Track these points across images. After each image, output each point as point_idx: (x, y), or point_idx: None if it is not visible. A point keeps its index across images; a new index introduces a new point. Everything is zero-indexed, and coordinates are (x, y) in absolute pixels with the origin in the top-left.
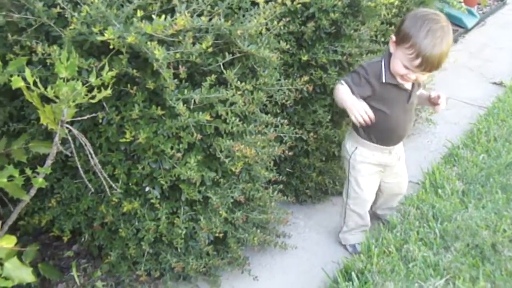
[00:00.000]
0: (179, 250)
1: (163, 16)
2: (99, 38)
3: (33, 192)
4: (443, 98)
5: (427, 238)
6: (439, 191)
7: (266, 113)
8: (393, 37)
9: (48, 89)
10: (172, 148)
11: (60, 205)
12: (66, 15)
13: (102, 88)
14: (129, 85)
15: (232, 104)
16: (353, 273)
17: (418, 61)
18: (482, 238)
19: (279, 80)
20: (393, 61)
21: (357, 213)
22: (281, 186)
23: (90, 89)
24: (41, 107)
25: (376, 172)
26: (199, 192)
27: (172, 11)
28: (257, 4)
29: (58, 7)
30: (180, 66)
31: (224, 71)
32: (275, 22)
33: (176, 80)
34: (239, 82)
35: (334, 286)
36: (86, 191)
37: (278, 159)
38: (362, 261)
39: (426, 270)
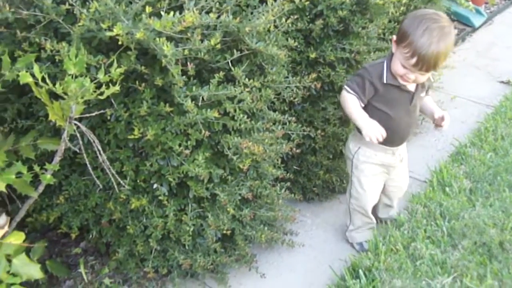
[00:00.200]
0: (186, 247)
1: (172, 12)
2: (108, 34)
3: (41, 188)
4: (447, 120)
5: (434, 236)
6: (447, 189)
7: (274, 111)
8: (394, 37)
9: (57, 85)
10: (180, 145)
11: (68, 202)
12: (74, 12)
13: (110, 85)
14: (137, 82)
15: (240, 101)
16: (360, 271)
17: (414, 60)
18: (490, 236)
19: (287, 77)
20: (393, 61)
21: (360, 213)
22: (288, 183)
23: (99, 85)
24: (49, 104)
25: (380, 173)
26: (207, 189)
27: (180, 8)
28: (265, 1)
29: (66, 3)
30: (188, 63)
31: (232, 68)
32: (283, 20)
33: (184, 77)
34: (247, 79)
35: (341, 283)
36: (94, 188)
37: (286, 157)
38: (369, 259)
39: (434, 268)
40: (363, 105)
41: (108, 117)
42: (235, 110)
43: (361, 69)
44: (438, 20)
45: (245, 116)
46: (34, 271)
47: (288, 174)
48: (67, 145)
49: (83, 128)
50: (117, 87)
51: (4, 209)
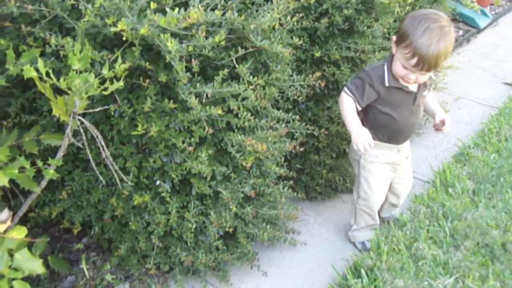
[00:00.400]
0: (189, 244)
1: (177, 9)
2: (112, 29)
3: (44, 184)
4: (447, 124)
5: (437, 237)
6: (450, 190)
7: (278, 109)
8: (394, 37)
9: (61, 80)
10: (183, 141)
11: (70, 197)
12: (79, 7)
13: (114, 81)
14: (141, 78)
15: (244, 98)
16: (362, 270)
17: (414, 60)
18: (492, 237)
19: (291, 75)
20: (393, 62)
21: (367, 213)
22: (291, 182)
23: (103, 81)
24: (53, 99)
25: (387, 172)
26: (210, 186)
27: (185, 5)
28: None
29: None
30: (192, 60)
31: (237, 65)
32: (288, 18)
33: (188, 73)
34: (251, 77)
35: (343, 283)
36: (97, 183)
37: (289, 155)
38: (371, 258)
39: (436, 269)
40: (360, 108)
41: (112, 113)
42: (239, 108)
43: (362, 72)
44: (438, 19)
45: (249, 114)
46: (36, 266)
47: (291, 173)
48: (71, 140)
49: (87, 123)
50: (121, 83)
51: (7, 204)
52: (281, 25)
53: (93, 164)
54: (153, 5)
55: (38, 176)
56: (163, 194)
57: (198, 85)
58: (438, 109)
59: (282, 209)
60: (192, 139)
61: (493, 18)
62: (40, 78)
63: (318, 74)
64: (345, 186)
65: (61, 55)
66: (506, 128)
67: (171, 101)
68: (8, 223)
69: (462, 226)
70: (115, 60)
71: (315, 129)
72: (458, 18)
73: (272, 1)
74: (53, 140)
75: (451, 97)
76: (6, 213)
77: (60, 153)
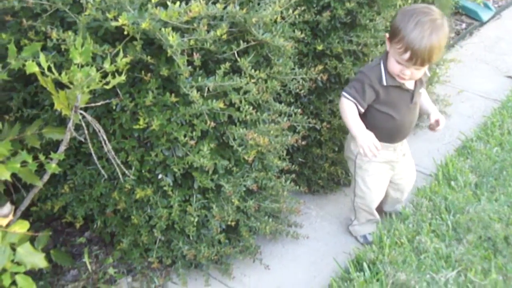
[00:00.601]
0: (191, 238)
1: (178, 3)
2: (114, 23)
3: (46, 178)
4: (441, 124)
5: (439, 230)
6: (452, 183)
7: (280, 102)
8: (387, 34)
9: (63, 74)
10: (185, 135)
11: (73, 191)
12: (81, 1)
13: (116, 75)
14: (143, 72)
15: (246, 92)
16: (364, 264)
17: (407, 55)
18: (495, 231)
19: (293, 69)
20: (388, 59)
21: (366, 211)
22: (293, 175)
23: (104, 75)
24: (55, 93)
25: (385, 171)
26: (212, 180)
27: None
28: None
29: None
30: (194, 53)
31: (239, 59)
32: (290, 11)
33: (190, 67)
34: (253, 71)
35: (345, 276)
36: (99, 177)
37: (291, 149)
38: (373, 252)
39: (438, 262)
40: (362, 110)
41: (114, 107)
42: (240, 101)
43: (359, 74)
44: (429, 13)
45: (251, 107)
46: (38, 260)
47: (294, 166)
48: (72, 134)
49: (89, 117)
50: (122, 77)
51: (9, 198)
52: (283, 18)
53: (95, 158)
54: None
55: (40, 170)
56: (165, 188)
57: (199, 78)
58: (433, 108)
59: (284, 203)
60: (194, 133)
61: (496, 11)
62: (42, 73)
63: (320, 67)
64: (348, 180)
65: (63, 49)
66: (509, 121)
67: (173, 95)
68: (10, 217)
69: (464, 219)
70: (117, 54)
71: (317, 122)
72: (461, 11)
73: None
74: (55, 134)
75: (454, 90)
76: (8, 207)
77: (62, 147)
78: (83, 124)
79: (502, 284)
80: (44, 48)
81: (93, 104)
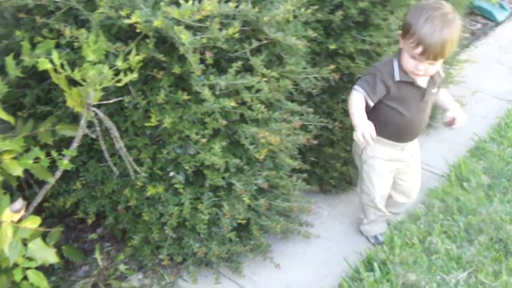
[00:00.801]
0: (201, 236)
1: (191, 1)
2: (126, 21)
3: (58, 174)
4: (459, 122)
5: (450, 231)
6: (465, 184)
7: (292, 101)
8: (400, 32)
9: (75, 71)
10: (197, 133)
11: (85, 188)
12: None
13: (128, 72)
14: (155, 70)
15: (257, 91)
16: (375, 264)
17: (420, 49)
18: (506, 232)
19: (305, 68)
20: (402, 56)
21: (372, 207)
22: (305, 175)
23: (117, 72)
24: (67, 90)
25: (391, 170)
26: (223, 178)
27: None
28: None
29: None
30: (206, 52)
31: (251, 57)
32: (303, 10)
33: (202, 65)
34: (265, 69)
35: (356, 276)
36: (111, 174)
37: (303, 148)
38: (384, 252)
39: (449, 263)
40: (372, 104)
41: (126, 105)
42: (252, 100)
43: (371, 68)
44: (440, 8)
45: (263, 106)
46: (49, 256)
47: (305, 165)
48: (85, 131)
49: (101, 114)
50: (135, 75)
51: (22, 194)
52: (295, 17)
53: (106, 155)
54: None
55: (53, 166)
56: (176, 186)
57: (211, 77)
58: (452, 105)
59: (295, 202)
60: (206, 131)
61: (511, 12)
62: (55, 70)
63: (332, 66)
64: None
65: (76, 47)
66: None
67: (185, 93)
68: (22, 212)
69: (476, 220)
70: (129, 52)
71: (330, 121)
72: (475, 12)
73: None
74: (68, 131)
75: (468, 91)
76: (19, 203)
77: (75, 144)
78: (96, 121)
79: None
80: (57, 46)
81: (105, 102)
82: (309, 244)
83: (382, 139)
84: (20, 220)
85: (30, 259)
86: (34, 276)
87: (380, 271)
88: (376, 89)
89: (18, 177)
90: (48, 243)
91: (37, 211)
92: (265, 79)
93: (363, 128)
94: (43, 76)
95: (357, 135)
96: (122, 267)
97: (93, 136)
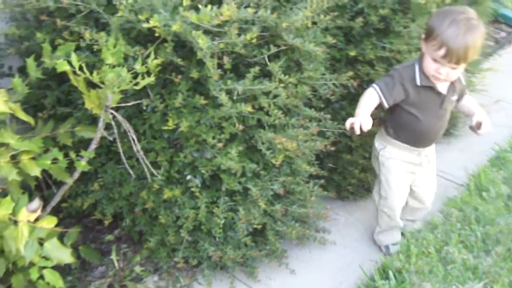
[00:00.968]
0: (217, 240)
1: (210, 6)
2: (145, 25)
3: (76, 175)
4: (484, 127)
5: (468, 241)
6: (484, 194)
7: (311, 107)
8: (423, 35)
9: (94, 74)
10: (214, 138)
11: (103, 189)
12: (114, 3)
13: (146, 76)
14: (173, 74)
15: (275, 96)
16: (390, 272)
17: (442, 51)
18: None
19: (324, 74)
20: (424, 59)
21: (387, 214)
22: (322, 181)
23: (135, 76)
24: (86, 92)
25: (407, 173)
26: (239, 183)
27: (219, 2)
28: None
29: None
30: (224, 57)
31: (269, 63)
32: (322, 16)
33: (220, 70)
34: (283, 75)
35: (371, 284)
36: (129, 176)
37: (322, 154)
38: (400, 261)
39: (465, 273)
40: (386, 106)
41: (144, 108)
42: (269, 105)
43: (392, 71)
44: (464, 12)
45: (280, 112)
46: (65, 255)
47: (323, 172)
48: (103, 133)
49: (119, 117)
50: (152, 78)
51: (40, 194)
52: (314, 23)
53: (123, 157)
54: (185, 1)
55: (71, 167)
56: (193, 189)
57: (229, 82)
58: (478, 110)
59: (311, 208)
60: (222, 136)
61: None
62: (74, 72)
63: (350, 73)
64: None
65: (95, 50)
66: None
67: (202, 97)
68: (39, 212)
69: (494, 231)
70: (148, 56)
71: None
72: (500, 20)
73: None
74: (87, 133)
75: (490, 100)
76: (36, 202)
77: (93, 146)
78: (114, 124)
79: None
80: (77, 48)
81: (124, 104)
82: (325, 250)
83: (399, 143)
84: (36, 220)
85: (46, 258)
86: (50, 276)
87: (395, 280)
88: (393, 92)
89: (36, 177)
90: (66, 243)
91: (56, 211)
92: (282, 84)
93: (358, 118)
94: (64, 78)
95: (349, 121)
96: (138, 269)
97: (110, 138)
